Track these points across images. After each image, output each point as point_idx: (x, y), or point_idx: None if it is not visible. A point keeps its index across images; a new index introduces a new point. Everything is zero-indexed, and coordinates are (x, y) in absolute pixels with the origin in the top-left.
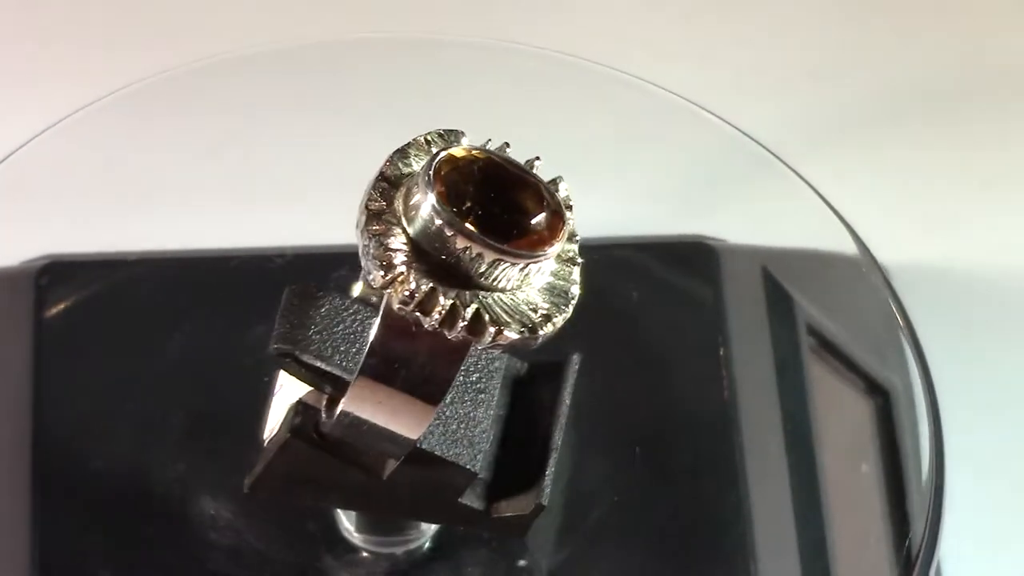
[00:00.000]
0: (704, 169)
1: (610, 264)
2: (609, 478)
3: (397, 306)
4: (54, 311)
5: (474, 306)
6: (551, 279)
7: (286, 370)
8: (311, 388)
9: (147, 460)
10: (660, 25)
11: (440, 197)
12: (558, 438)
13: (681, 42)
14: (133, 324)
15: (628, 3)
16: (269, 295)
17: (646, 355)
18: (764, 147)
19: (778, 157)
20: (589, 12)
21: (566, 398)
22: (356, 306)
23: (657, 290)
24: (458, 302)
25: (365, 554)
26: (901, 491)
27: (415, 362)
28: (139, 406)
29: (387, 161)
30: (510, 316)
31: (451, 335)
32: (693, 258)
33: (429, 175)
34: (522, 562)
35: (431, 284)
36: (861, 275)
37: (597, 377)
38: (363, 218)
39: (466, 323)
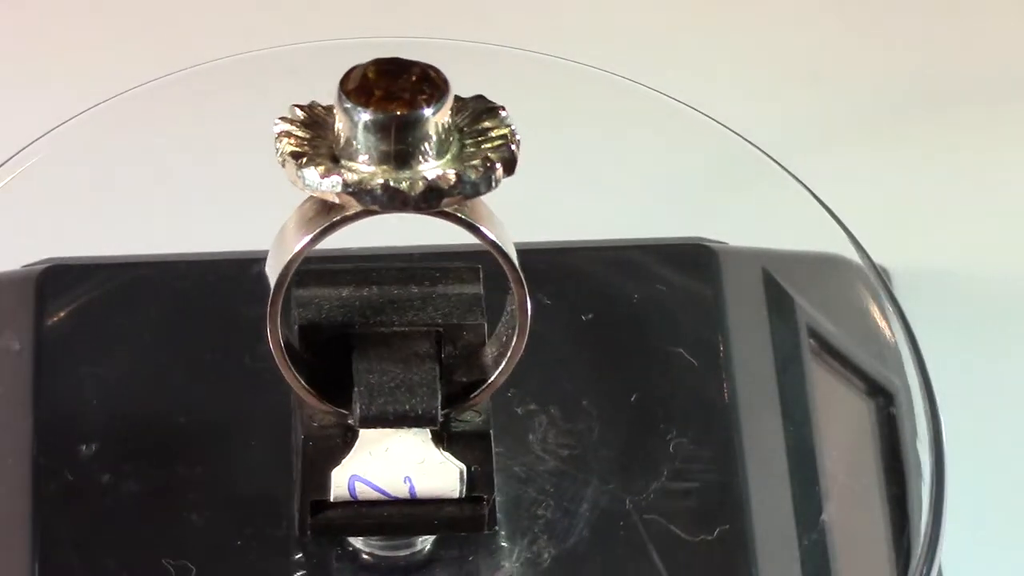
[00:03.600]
0: (703, 173)
1: (611, 266)
2: (608, 479)
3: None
4: (56, 315)
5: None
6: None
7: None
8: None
9: (147, 463)
10: (659, 30)
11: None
12: None
13: (680, 47)
14: (134, 328)
15: (628, 8)
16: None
17: (647, 356)
18: (762, 151)
19: (776, 161)
20: (588, 16)
21: None
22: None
23: (658, 291)
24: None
25: (365, 556)
26: (901, 492)
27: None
28: (140, 410)
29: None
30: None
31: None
32: (694, 260)
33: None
34: (520, 564)
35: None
36: (860, 277)
37: (598, 378)
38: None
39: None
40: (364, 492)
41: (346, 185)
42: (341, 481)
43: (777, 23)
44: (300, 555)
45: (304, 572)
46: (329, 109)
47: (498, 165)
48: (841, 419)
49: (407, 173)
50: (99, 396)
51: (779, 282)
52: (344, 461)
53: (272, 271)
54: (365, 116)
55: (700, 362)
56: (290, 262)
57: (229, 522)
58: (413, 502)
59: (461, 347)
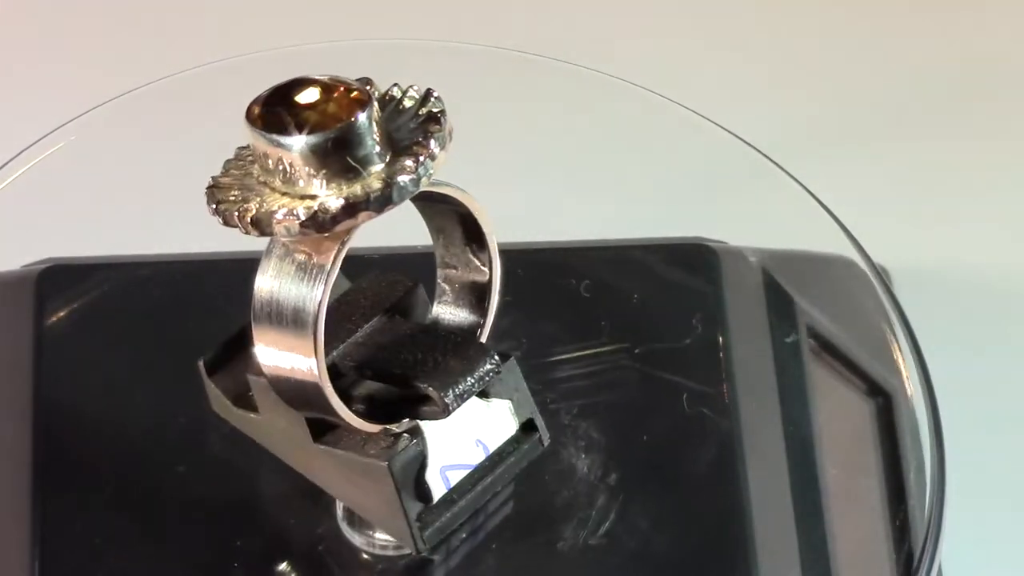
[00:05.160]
0: (703, 173)
1: (611, 265)
2: (608, 479)
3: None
4: (55, 315)
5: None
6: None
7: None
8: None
9: (148, 463)
10: (658, 32)
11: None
12: None
13: (680, 48)
14: (134, 328)
15: (627, 10)
16: None
17: (647, 356)
18: (761, 152)
19: (775, 162)
20: (589, 18)
21: None
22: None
23: (658, 291)
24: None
25: (365, 556)
26: (901, 492)
27: None
28: (140, 410)
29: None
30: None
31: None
32: (694, 260)
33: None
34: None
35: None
36: (860, 277)
37: (597, 378)
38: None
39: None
40: (455, 476)
41: (356, 205)
42: (436, 480)
43: (776, 24)
44: (299, 554)
45: (303, 566)
46: (234, 166)
47: (443, 118)
48: (841, 419)
49: (387, 165)
50: (99, 396)
51: (779, 282)
52: (428, 462)
53: (297, 343)
54: (311, 140)
55: (700, 361)
56: (317, 323)
57: (229, 522)
58: (485, 464)
59: (415, 313)
